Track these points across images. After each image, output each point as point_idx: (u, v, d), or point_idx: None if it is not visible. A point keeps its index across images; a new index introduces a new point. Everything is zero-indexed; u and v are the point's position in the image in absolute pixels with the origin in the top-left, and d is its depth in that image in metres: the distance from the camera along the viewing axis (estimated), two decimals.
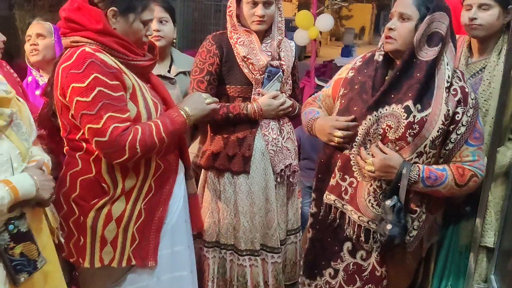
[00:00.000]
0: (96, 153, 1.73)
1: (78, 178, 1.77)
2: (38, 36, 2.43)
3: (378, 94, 1.79)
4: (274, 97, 2.29)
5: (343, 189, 1.86)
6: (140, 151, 1.67)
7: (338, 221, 1.92)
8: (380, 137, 1.78)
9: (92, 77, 1.63)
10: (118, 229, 1.80)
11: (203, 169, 2.42)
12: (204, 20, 9.59)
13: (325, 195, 1.91)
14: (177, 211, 1.94)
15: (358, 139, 1.82)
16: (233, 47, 2.28)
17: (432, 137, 1.74)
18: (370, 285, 1.91)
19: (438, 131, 1.73)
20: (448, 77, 1.75)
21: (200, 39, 8.31)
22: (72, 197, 1.78)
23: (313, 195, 2.03)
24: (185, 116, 1.82)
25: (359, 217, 1.84)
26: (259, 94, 2.29)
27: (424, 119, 1.73)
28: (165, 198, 1.89)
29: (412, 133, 1.73)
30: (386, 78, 1.84)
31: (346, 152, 1.86)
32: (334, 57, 10.64)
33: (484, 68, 2.03)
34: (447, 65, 1.76)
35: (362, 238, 1.87)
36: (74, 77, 1.64)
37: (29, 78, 2.49)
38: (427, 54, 1.74)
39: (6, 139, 1.45)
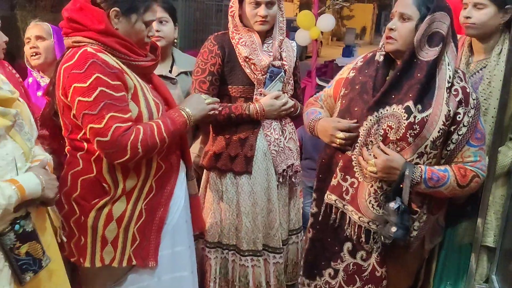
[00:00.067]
0: (97, 153, 1.74)
1: (79, 178, 1.78)
2: (38, 38, 2.42)
3: (379, 94, 1.79)
4: (276, 98, 2.29)
5: (344, 189, 1.86)
6: (141, 151, 1.67)
7: (338, 221, 1.92)
8: (381, 137, 1.77)
9: (94, 77, 1.63)
10: (119, 229, 1.80)
11: (205, 170, 2.42)
12: (205, 20, 9.59)
13: (326, 195, 1.91)
14: (178, 212, 1.94)
15: (360, 140, 1.82)
16: (235, 47, 2.28)
17: (433, 138, 1.73)
18: (370, 286, 1.91)
19: (438, 132, 1.73)
20: (449, 77, 1.75)
21: (201, 39, 8.33)
22: (73, 197, 1.78)
23: (314, 195, 2.03)
24: (186, 116, 1.82)
25: (359, 217, 1.84)
26: (261, 94, 2.29)
27: (425, 120, 1.72)
28: (166, 198, 1.89)
29: (413, 134, 1.73)
30: (387, 78, 1.84)
31: (348, 153, 1.85)
32: (335, 57, 10.64)
33: (484, 67, 2.03)
34: (448, 65, 1.75)
35: (363, 239, 1.86)
36: (76, 77, 1.64)
37: (30, 79, 2.49)
38: (428, 54, 1.74)
39: (10, 139, 1.45)
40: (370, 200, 1.80)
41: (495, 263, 2.04)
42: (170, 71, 2.56)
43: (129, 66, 1.76)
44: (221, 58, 2.28)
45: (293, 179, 2.41)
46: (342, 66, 2.17)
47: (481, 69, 2.04)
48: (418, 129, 1.72)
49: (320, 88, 5.07)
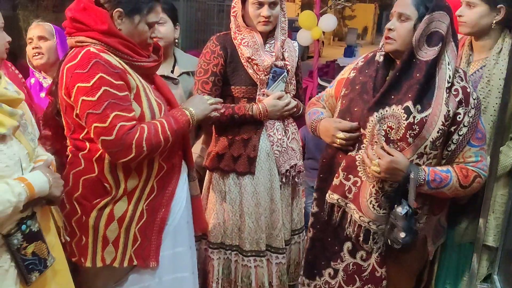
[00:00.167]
0: (99, 152, 1.74)
1: (80, 178, 1.78)
2: (40, 38, 2.42)
3: (378, 95, 1.78)
4: (279, 98, 2.29)
5: (347, 188, 1.86)
6: (146, 149, 1.68)
7: (339, 220, 1.91)
8: (384, 138, 1.76)
9: (97, 76, 1.64)
10: (120, 229, 1.80)
11: (208, 171, 2.42)
12: (207, 20, 9.59)
13: (328, 194, 1.91)
14: (179, 212, 1.94)
15: (366, 140, 1.81)
16: (237, 48, 2.28)
17: (432, 138, 1.73)
18: (369, 286, 1.90)
19: (438, 132, 1.72)
20: (449, 77, 1.74)
21: (203, 39, 8.33)
22: (75, 197, 1.79)
23: (315, 194, 2.03)
24: (189, 115, 1.83)
25: (360, 217, 1.83)
26: (264, 94, 2.29)
27: (424, 120, 1.72)
28: (168, 199, 1.89)
29: (412, 134, 1.72)
30: (387, 78, 1.84)
31: (352, 153, 1.85)
32: (337, 57, 10.63)
33: (484, 66, 2.03)
34: (448, 64, 1.75)
35: (361, 238, 1.86)
36: (79, 77, 1.65)
37: (32, 80, 2.49)
38: (427, 54, 1.73)
39: (15, 140, 1.46)
40: (371, 201, 1.79)
41: (497, 263, 2.04)
42: (172, 71, 2.56)
43: (132, 66, 1.76)
44: (223, 58, 2.28)
45: (296, 179, 2.41)
46: (343, 66, 2.17)
47: (481, 68, 2.04)
48: (418, 129, 1.72)
49: (322, 88, 5.06)
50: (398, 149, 1.75)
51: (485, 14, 1.98)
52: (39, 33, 2.43)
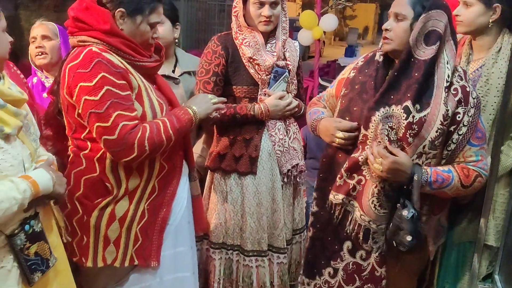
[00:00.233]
0: (100, 152, 1.74)
1: (82, 177, 1.78)
2: (44, 38, 2.41)
3: (378, 95, 1.78)
4: (281, 98, 2.29)
5: (351, 186, 1.85)
6: (148, 149, 1.68)
7: (339, 220, 1.91)
8: (387, 138, 1.75)
9: (99, 76, 1.64)
10: (121, 228, 1.80)
11: (209, 171, 2.42)
12: (208, 20, 9.60)
13: (332, 195, 1.89)
14: (180, 212, 1.94)
15: (369, 141, 1.80)
16: (238, 48, 2.28)
17: (431, 138, 1.73)
18: (369, 285, 1.90)
19: (437, 132, 1.72)
20: (448, 76, 1.73)
21: (204, 39, 8.33)
22: (76, 196, 1.79)
23: (315, 194, 2.03)
24: (191, 113, 1.83)
25: (361, 215, 1.83)
26: (265, 94, 2.29)
27: (423, 120, 1.71)
28: (169, 199, 1.89)
29: (412, 134, 1.72)
30: (386, 78, 1.84)
31: (355, 154, 1.83)
32: (338, 57, 10.63)
33: (483, 65, 2.03)
34: (447, 63, 1.74)
35: (361, 237, 1.86)
36: (82, 76, 1.65)
37: (34, 79, 2.48)
38: (425, 53, 1.73)
39: (18, 140, 1.46)
40: (373, 200, 1.79)
41: (498, 262, 2.04)
42: (173, 71, 2.56)
43: (134, 66, 1.76)
44: (225, 58, 2.28)
45: (297, 179, 2.42)
46: (344, 66, 2.17)
47: (480, 67, 2.04)
48: (417, 129, 1.71)
49: (323, 88, 5.06)
50: (399, 149, 1.75)
51: (482, 13, 1.99)
52: (42, 32, 2.42)
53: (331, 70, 8.31)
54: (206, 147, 2.55)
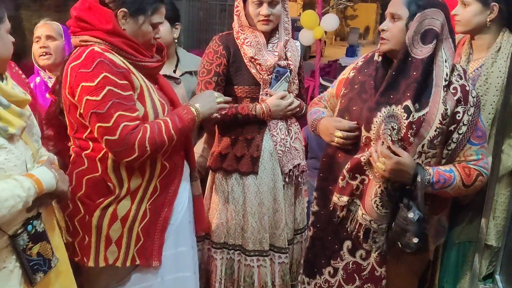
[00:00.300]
0: (102, 152, 1.74)
1: (84, 177, 1.78)
2: (48, 38, 2.41)
3: (377, 95, 1.78)
4: (282, 97, 2.29)
5: (354, 187, 1.84)
6: (149, 149, 1.68)
7: (340, 218, 1.91)
8: (389, 138, 1.74)
9: (101, 76, 1.64)
10: (123, 228, 1.80)
11: (210, 171, 2.42)
12: (209, 20, 9.61)
13: (337, 197, 1.87)
14: (181, 212, 1.94)
15: (372, 143, 1.79)
16: (240, 47, 2.28)
17: (430, 137, 1.73)
18: (369, 285, 1.90)
19: (435, 131, 1.72)
20: (446, 74, 1.73)
21: (205, 38, 8.34)
22: (78, 196, 1.79)
23: (315, 194, 2.03)
24: (195, 112, 1.82)
25: (362, 214, 1.83)
26: (267, 94, 2.29)
27: (422, 119, 1.71)
28: (170, 198, 1.89)
29: (412, 133, 1.72)
30: (385, 78, 1.84)
31: (358, 155, 1.82)
32: (339, 57, 10.62)
33: (483, 65, 2.04)
34: (445, 62, 1.74)
35: (361, 236, 1.85)
36: (84, 76, 1.65)
37: (37, 79, 2.47)
38: (422, 51, 1.73)
39: (21, 141, 1.47)
40: (376, 200, 1.79)
41: (499, 262, 2.04)
42: (175, 71, 2.57)
43: (136, 66, 1.77)
44: (226, 58, 2.28)
45: (299, 179, 2.41)
46: (345, 66, 2.18)
47: (480, 67, 2.05)
48: (416, 128, 1.71)
49: (324, 87, 5.06)
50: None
51: (479, 12, 2.00)
52: (47, 32, 2.41)
53: (332, 70, 8.30)
54: (207, 147, 2.55)
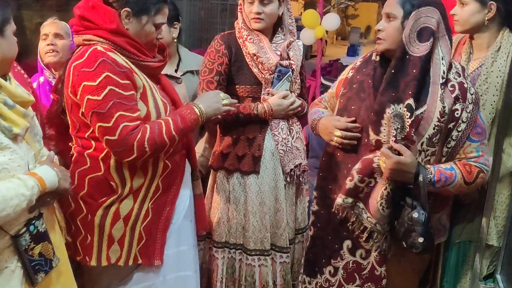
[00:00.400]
0: (105, 151, 1.75)
1: (86, 176, 1.79)
2: (56, 36, 2.41)
3: (379, 96, 1.78)
4: (284, 97, 2.29)
5: (360, 189, 1.83)
6: (149, 150, 1.68)
7: (341, 218, 1.91)
8: (393, 138, 1.73)
9: (103, 75, 1.64)
10: (126, 227, 1.81)
11: (212, 170, 2.42)
12: (210, 19, 9.59)
13: (341, 199, 1.83)
14: (183, 211, 1.95)
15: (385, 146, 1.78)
16: (242, 46, 2.28)
17: (429, 135, 1.73)
18: (369, 284, 1.90)
19: (434, 129, 1.72)
20: (443, 72, 1.74)
21: (206, 38, 8.32)
22: (80, 195, 1.79)
23: (315, 193, 2.03)
24: (198, 113, 1.81)
25: (367, 217, 1.82)
26: (268, 94, 2.29)
27: (420, 117, 1.71)
28: (172, 198, 1.89)
29: (414, 132, 1.72)
30: (384, 77, 1.84)
31: (370, 155, 1.80)
32: (340, 56, 10.60)
33: (483, 64, 2.04)
34: (442, 59, 1.75)
35: (364, 237, 1.85)
36: (86, 76, 1.66)
37: (41, 79, 2.47)
38: (419, 49, 1.73)
39: (24, 141, 1.47)
40: (382, 203, 1.77)
41: (499, 262, 2.04)
42: (176, 70, 2.57)
43: (138, 66, 1.77)
44: (228, 57, 2.28)
45: (300, 179, 2.41)
46: (346, 65, 2.18)
47: (480, 66, 2.05)
48: (414, 126, 1.72)
49: (325, 87, 5.06)
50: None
51: (476, 12, 2.01)
52: (55, 30, 2.41)
53: (333, 69, 8.28)
54: (208, 147, 2.55)
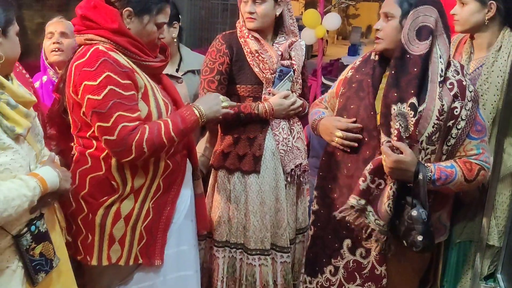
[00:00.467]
0: (106, 151, 1.75)
1: (87, 176, 1.79)
2: (62, 35, 2.41)
3: (383, 97, 1.78)
4: (285, 97, 2.29)
5: (371, 191, 1.81)
6: (147, 150, 1.68)
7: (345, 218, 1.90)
8: (396, 138, 1.72)
9: (104, 75, 1.64)
10: (126, 227, 1.81)
11: (213, 170, 2.43)
12: (211, 19, 9.59)
13: (354, 200, 1.79)
14: (184, 211, 1.95)
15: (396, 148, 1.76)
16: (243, 45, 2.28)
17: (428, 133, 1.72)
18: (369, 283, 1.89)
19: (433, 127, 1.72)
20: (442, 70, 1.74)
21: (207, 37, 8.32)
22: (81, 195, 1.79)
23: (315, 192, 2.03)
24: (198, 114, 1.81)
25: (375, 220, 1.80)
26: (269, 93, 2.29)
27: (419, 115, 1.71)
28: (173, 197, 1.90)
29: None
30: (384, 75, 1.84)
31: (382, 156, 1.77)
32: (341, 56, 10.60)
33: (484, 64, 2.04)
34: (440, 58, 1.75)
35: (364, 236, 1.84)
36: (87, 75, 1.66)
37: (44, 78, 2.47)
38: (419, 48, 1.73)
39: (25, 142, 1.48)
40: (389, 204, 1.75)
41: (500, 262, 2.04)
42: (177, 70, 2.57)
43: (140, 66, 1.77)
44: (229, 57, 2.28)
45: (301, 179, 2.41)
46: (347, 65, 2.18)
47: (480, 66, 2.05)
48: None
49: (326, 87, 5.06)
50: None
51: (476, 11, 2.01)
52: (62, 29, 2.41)
53: (334, 69, 8.28)
54: (209, 146, 2.55)
